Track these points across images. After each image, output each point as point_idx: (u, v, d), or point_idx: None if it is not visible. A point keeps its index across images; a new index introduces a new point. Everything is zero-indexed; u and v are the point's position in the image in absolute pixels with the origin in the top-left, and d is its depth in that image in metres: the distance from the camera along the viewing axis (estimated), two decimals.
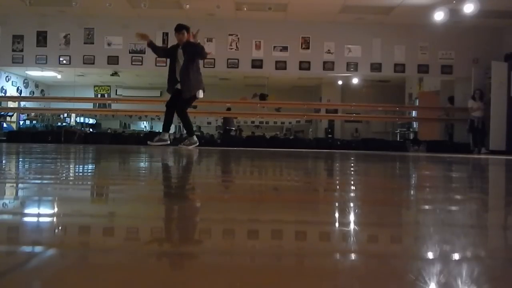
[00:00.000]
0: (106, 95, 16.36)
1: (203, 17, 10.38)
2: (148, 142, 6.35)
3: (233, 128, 13.08)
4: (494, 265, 0.59)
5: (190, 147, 6.02)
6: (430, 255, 0.64)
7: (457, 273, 0.54)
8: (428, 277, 0.51)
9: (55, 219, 0.90)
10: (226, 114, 12.79)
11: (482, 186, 2.07)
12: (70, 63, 10.96)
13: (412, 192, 1.64)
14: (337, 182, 2.02)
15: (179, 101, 5.95)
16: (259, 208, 1.11)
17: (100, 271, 0.51)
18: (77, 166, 2.64)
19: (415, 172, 3.03)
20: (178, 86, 5.99)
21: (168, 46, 6.60)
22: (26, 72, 13.81)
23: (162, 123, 6.29)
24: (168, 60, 6.41)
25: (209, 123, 16.03)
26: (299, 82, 14.73)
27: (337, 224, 0.89)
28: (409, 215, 1.06)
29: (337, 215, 1.01)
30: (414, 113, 13.34)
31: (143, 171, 2.52)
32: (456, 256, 0.62)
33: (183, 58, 5.96)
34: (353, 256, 0.61)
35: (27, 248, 0.63)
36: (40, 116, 13.94)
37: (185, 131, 6.47)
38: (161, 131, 6.31)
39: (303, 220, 0.92)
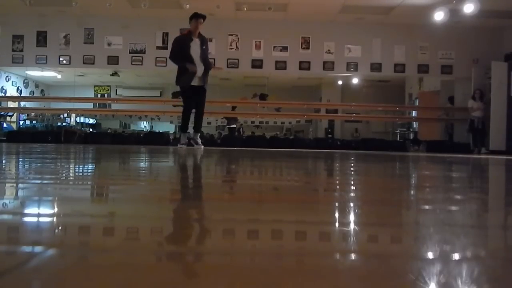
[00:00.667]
0: (106, 95, 16.36)
1: None
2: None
3: (235, 126, 13.08)
4: (494, 265, 0.59)
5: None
6: (430, 255, 0.64)
7: (457, 273, 0.54)
8: (428, 277, 0.51)
9: (55, 219, 0.90)
10: (227, 114, 12.79)
11: (482, 186, 2.07)
12: (70, 63, 10.97)
13: (412, 192, 1.64)
14: (337, 182, 2.02)
15: (202, 98, 5.95)
16: (259, 208, 1.11)
17: (100, 271, 0.51)
18: (77, 166, 2.64)
19: (415, 172, 3.03)
20: (195, 82, 5.86)
21: (176, 44, 6.03)
22: (26, 72, 13.82)
23: (181, 125, 6.48)
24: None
25: (209, 123, 16.02)
26: (299, 82, 14.74)
27: (337, 224, 0.89)
28: (409, 215, 1.06)
29: (337, 215, 1.01)
30: (414, 113, 13.34)
31: (143, 171, 2.52)
32: (456, 256, 0.62)
33: (198, 48, 5.86)
34: (353, 256, 0.61)
35: (27, 248, 0.63)
36: (40, 116, 13.95)
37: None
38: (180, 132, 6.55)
39: (303, 220, 0.92)
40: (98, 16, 10.47)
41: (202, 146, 6.28)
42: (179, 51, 5.92)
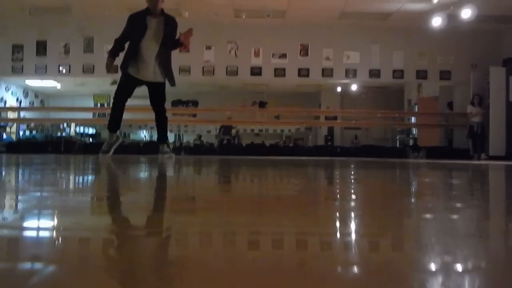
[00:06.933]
0: (105, 105, 16.36)
1: (202, 25, 10.43)
2: (101, 155, 4.92)
3: (229, 137, 13.09)
4: (497, 275, 0.59)
5: (170, 154, 5.02)
6: (432, 266, 0.63)
7: (460, 284, 0.53)
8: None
9: (56, 233, 0.89)
10: (226, 122, 12.80)
11: (483, 194, 2.07)
12: (69, 72, 11.00)
13: (413, 200, 1.64)
14: (337, 191, 2.01)
15: (159, 97, 4.84)
16: (259, 217, 1.10)
17: (101, 283, 0.51)
18: (77, 177, 2.63)
19: (415, 179, 3.03)
20: (138, 74, 4.69)
21: (129, 22, 4.74)
22: (26, 82, 13.85)
23: (110, 121, 4.93)
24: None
25: (208, 131, 16.04)
26: (298, 89, 14.78)
27: (338, 234, 0.88)
28: (410, 225, 1.05)
29: (338, 224, 1.00)
30: (413, 119, 13.36)
31: (143, 181, 2.51)
32: (459, 267, 0.62)
33: (156, 31, 4.61)
34: (355, 267, 0.61)
35: (27, 265, 0.62)
36: (40, 127, 13.96)
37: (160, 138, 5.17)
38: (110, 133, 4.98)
39: (304, 231, 0.92)
40: (98, 25, 10.51)
41: (173, 154, 5.17)
42: (130, 32, 4.69)
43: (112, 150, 4.99)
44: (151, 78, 4.81)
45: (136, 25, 4.68)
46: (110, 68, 4.88)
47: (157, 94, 4.93)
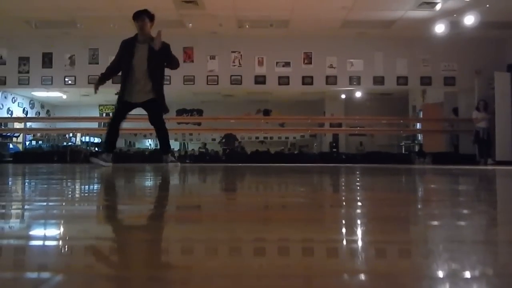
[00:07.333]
0: (110, 114, 16.44)
1: (206, 35, 10.51)
2: (91, 159, 5.34)
3: (231, 148, 13.12)
4: (506, 284, 0.58)
5: (176, 163, 5.35)
6: (440, 273, 0.63)
7: None
8: None
9: (62, 242, 0.89)
10: (230, 130, 12.82)
11: (491, 199, 2.05)
12: (75, 83, 11.09)
13: (419, 206, 1.63)
14: (343, 198, 2.01)
15: (156, 112, 5.05)
16: (265, 226, 1.10)
17: None
18: (83, 186, 2.64)
19: (422, 185, 3.01)
20: (131, 98, 4.93)
21: (121, 46, 5.12)
22: (32, 93, 13.98)
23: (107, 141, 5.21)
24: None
25: (213, 139, 16.08)
26: (303, 96, 14.81)
27: (345, 242, 0.88)
28: (418, 232, 1.05)
29: (344, 231, 1.00)
30: (418, 125, 13.32)
31: (149, 190, 2.51)
32: (467, 274, 0.61)
33: (142, 57, 4.90)
34: (362, 276, 0.61)
35: (33, 274, 0.62)
36: (46, 136, 14.06)
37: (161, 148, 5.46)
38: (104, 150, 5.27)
39: (310, 238, 0.92)
40: (103, 36, 10.61)
41: (179, 163, 5.50)
42: (120, 57, 5.05)
43: (101, 162, 5.14)
44: (143, 99, 5.06)
45: (126, 51, 5.04)
46: (96, 91, 5.31)
47: (152, 111, 5.14)
